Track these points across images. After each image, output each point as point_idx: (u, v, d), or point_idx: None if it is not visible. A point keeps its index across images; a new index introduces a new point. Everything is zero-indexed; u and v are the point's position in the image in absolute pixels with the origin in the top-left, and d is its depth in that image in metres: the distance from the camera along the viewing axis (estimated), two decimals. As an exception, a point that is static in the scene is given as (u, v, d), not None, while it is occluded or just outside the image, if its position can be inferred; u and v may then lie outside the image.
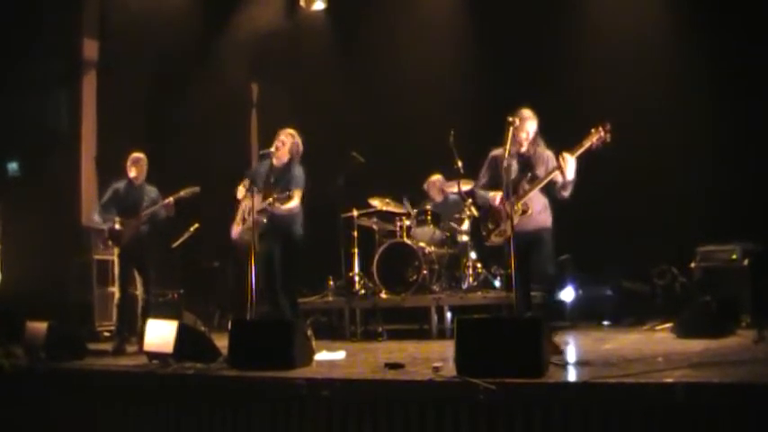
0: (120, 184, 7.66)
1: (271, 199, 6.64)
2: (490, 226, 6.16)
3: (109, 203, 7.60)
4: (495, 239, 6.12)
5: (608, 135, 5.66)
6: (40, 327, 6.65)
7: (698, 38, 8.62)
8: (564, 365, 5.08)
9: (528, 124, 5.98)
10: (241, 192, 7.15)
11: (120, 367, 6.17)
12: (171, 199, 7.48)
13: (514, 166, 5.98)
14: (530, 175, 5.99)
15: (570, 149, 5.77)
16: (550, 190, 5.99)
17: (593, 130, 5.71)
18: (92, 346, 7.20)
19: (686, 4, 8.84)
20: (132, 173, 7.59)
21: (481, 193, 6.25)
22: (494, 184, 6.12)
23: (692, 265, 7.98)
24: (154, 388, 5.58)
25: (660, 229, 8.58)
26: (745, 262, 7.63)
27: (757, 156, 8.21)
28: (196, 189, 7.53)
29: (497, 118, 5.95)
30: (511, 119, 5.84)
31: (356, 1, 10.76)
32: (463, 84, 9.97)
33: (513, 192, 5.92)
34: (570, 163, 5.72)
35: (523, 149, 6.05)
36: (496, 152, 6.12)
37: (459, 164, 8.44)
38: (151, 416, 5.49)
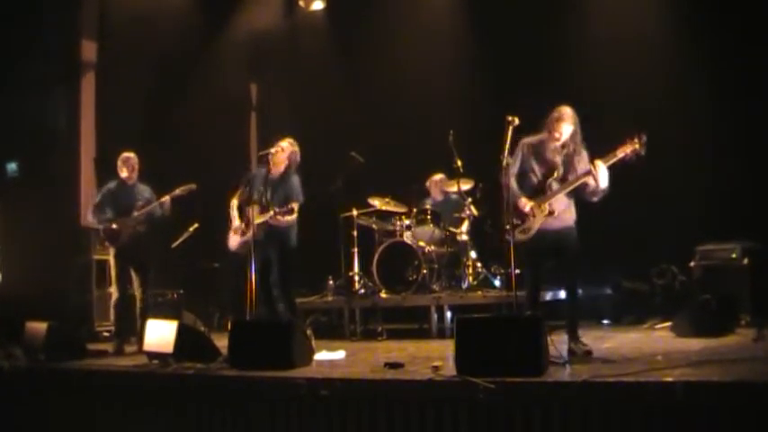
0: (112, 184, 7.64)
1: (272, 212, 6.67)
2: (516, 222, 5.85)
3: (102, 204, 7.56)
4: (518, 236, 5.82)
5: (643, 147, 5.53)
6: (40, 327, 6.65)
7: (698, 38, 8.62)
8: (564, 364, 5.08)
9: (564, 126, 5.71)
10: (235, 205, 7.15)
11: (119, 367, 6.17)
12: (167, 198, 7.45)
13: (549, 159, 5.81)
14: (559, 174, 5.79)
15: (603, 157, 5.61)
16: (579, 192, 5.81)
17: (627, 141, 5.55)
18: (91, 347, 7.20)
19: (686, 4, 8.84)
20: (124, 173, 7.55)
21: (513, 184, 5.88)
22: (522, 173, 5.90)
23: (692, 263, 7.99)
24: (154, 388, 5.59)
25: (660, 228, 8.58)
26: (745, 261, 7.64)
27: (757, 155, 8.20)
28: (192, 186, 7.51)
29: (497, 117, 5.93)
30: (510, 118, 5.77)
31: (355, 1, 10.76)
32: (463, 83, 9.97)
33: (540, 190, 5.81)
34: (603, 171, 5.56)
35: (559, 146, 5.82)
36: (528, 140, 5.88)
37: (459, 163, 8.44)
38: (151, 416, 5.49)
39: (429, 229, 8.69)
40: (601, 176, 5.57)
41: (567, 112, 5.75)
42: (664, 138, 8.55)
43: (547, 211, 5.74)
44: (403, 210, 8.94)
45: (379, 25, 10.53)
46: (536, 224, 5.76)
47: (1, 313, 7.61)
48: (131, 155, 7.61)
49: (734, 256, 7.72)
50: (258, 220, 6.79)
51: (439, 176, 9.16)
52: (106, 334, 8.55)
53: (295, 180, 7.03)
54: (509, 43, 9.63)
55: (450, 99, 9.87)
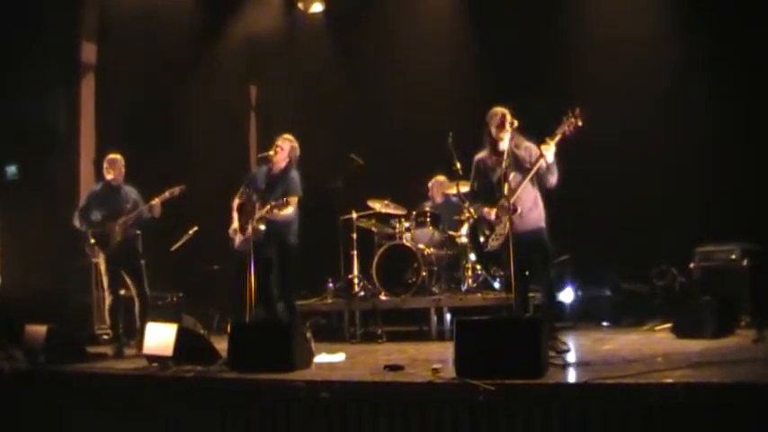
0: (97, 187, 7.61)
1: (268, 206, 6.66)
2: (486, 232, 6.17)
3: (87, 208, 7.49)
4: (493, 244, 6.10)
5: (578, 119, 5.70)
6: (40, 330, 6.64)
7: (698, 37, 8.62)
8: (564, 366, 5.08)
9: (508, 117, 6.00)
10: (236, 206, 7.14)
11: (119, 370, 6.17)
12: (157, 200, 7.38)
13: (498, 162, 5.95)
14: (515, 170, 5.95)
15: (545, 141, 5.85)
16: (541, 182, 6.02)
17: (564, 118, 5.77)
18: (91, 349, 7.19)
19: (687, 5, 8.83)
20: (110, 174, 7.49)
21: (473, 202, 6.31)
22: (484, 189, 6.11)
23: (692, 265, 7.98)
24: (153, 390, 5.58)
25: (659, 230, 8.58)
26: (745, 262, 7.63)
27: (757, 156, 8.20)
28: (182, 186, 7.44)
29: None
30: (510, 120, 5.86)
31: (354, 3, 10.75)
32: (462, 85, 9.95)
33: (501, 195, 5.88)
34: (550, 148, 5.79)
35: (503, 147, 6.01)
36: (480, 155, 6.16)
37: (458, 166, 8.40)
38: (150, 418, 5.48)
39: (428, 232, 8.69)
40: (549, 154, 5.79)
41: (503, 109, 6.07)
42: (664, 138, 8.62)
43: (510, 210, 5.76)
44: (402, 212, 8.93)
45: (378, 26, 10.53)
46: (503, 227, 5.79)
47: (1, 315, 7.60)
48: (118, 156, 7.56)
49: (733, 257, 7.71)
50: (257, 215, 6.76)
51: (440, 178, 9.13)
52: (106, 336, 8.51)
53: (294, 175, 7.03)
54: (508, 45, 9.63)
55: (450, 100, 9.85)
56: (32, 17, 9.75)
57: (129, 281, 7.48)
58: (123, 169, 7.55)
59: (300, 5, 11.04)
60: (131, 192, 7.59)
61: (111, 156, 7.57)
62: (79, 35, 9.88)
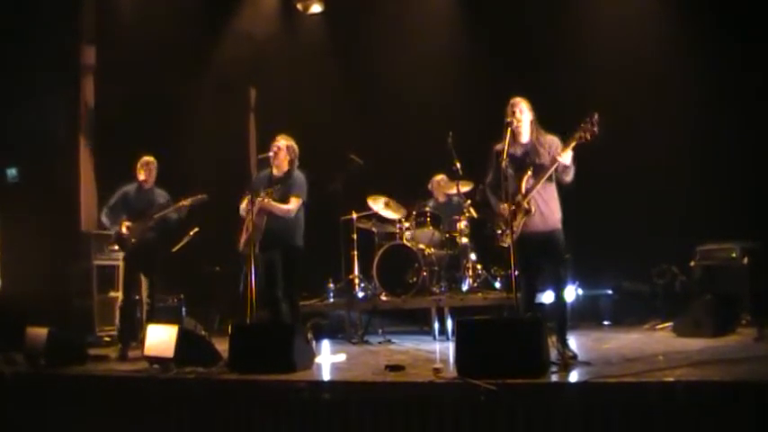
0: (130, 188, 7.59)
1: (268, 198, 6.61)
2: (502, 226, 5.91)
3: (117, 206, 7.53)
4: (506, 241, 5.86)
5: (596, 127, 5.53)
6: (41, 333, 6.64)
7: (698, 37, 8.62)
8: (565, 365, 5.07)
9: (520, 106, 5.83)
10: (244, 207, 7.10)
11: (120, 372, 6.18)
12: (185, 203, 7.39)
13: (518, 156, 5.82)
14: (533, 166, 5.77)
15: (563, 146, 5.68)
16: (558, 178, 5.82)
17: (581, 126, 5.56)
18: (92, 352, 7.19)
19: (687, 5, 8.83)
20: (142, 176, 7.52)
21: (490, 195, 6.07)
22: (499, 182, 5.86)
23: (692, 263, 7.99)
24: (154, 392, 5.58)
25: (660, 228, 8.58)
26: (745, 260, 7.63)
27: (757, 155, 8.20)
28: (204, 196, 7.47)
29: (497, 119, 5.93)
30: (509, 120, 5.78)
31: (353, 3, 10.76)
32: (462, 85, 9.96)
33: (518, 191, 5.75)
34: (566, 156, 5.61)
35: (524, 140, 5.87)
36: (499, 146, 5.89)
37: (458, 165, 8.43)
38: (152, 421, 5.49)
39: (429, 232, 8.69)
40: (566, 159, 5.62)
41: (518, 99, 5.89)
42: (664, 138, 8.62)
43: (525, 210, 5.70)
44: (401, 215, 8.89)
45: (377, 27, 10.52)
46: (517, 226, 5.72)
47: (2, 319, 7.60)
48: (151, 159, 7.58)
49: (734, 255, 7.72)
50: (255, 208, 6.69)
51: (440, 177, 9.12)
52: (107, 339, 8.55)
53: (298, 175, 6.96)
54: (508, 45, 9.64)
55: (450, 100, 9.86)
56: (31, 20, 9.75)
57: (143, 281, 7.53)
58: (155, 171, 7.57)
59: (299, 6, 11.05)
60: (161, 195, 7.60)
61: (146, 158, 7.58)
62: (78, 38, 9.88)
